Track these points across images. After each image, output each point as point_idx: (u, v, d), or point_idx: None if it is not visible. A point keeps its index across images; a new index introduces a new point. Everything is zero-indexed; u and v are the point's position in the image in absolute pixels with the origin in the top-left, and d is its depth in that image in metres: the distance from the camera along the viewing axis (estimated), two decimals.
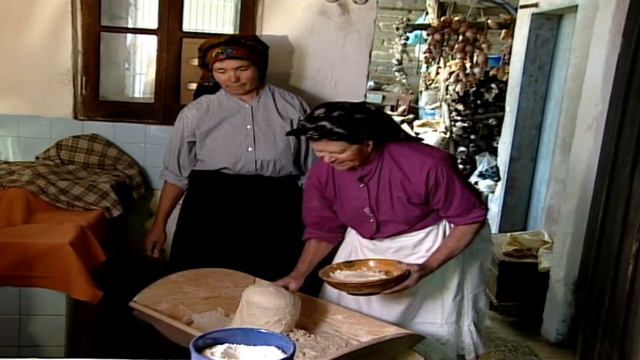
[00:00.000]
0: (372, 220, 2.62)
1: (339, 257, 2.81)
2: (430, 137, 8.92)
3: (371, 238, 2.69)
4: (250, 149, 3.00)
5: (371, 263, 2.58)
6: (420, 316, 2.72)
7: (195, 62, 3.21)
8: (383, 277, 2.45)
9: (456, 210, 2.55)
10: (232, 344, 1.50)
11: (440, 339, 2.71)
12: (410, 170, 2.50)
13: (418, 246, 2.66)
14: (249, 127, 3.02)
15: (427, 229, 2.65)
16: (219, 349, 1.47)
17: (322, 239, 2.76)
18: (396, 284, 2.43)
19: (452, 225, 2.63)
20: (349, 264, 2.59)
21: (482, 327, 2.91)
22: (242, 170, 3.01)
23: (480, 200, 2.59)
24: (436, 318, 2.72)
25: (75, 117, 3.63)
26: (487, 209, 2.63)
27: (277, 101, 3.11)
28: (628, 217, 3.26)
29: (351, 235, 2.81)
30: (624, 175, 3.30)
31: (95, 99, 3.67)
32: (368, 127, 2.43)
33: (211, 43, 2.96)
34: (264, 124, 3.04)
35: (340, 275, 2.51)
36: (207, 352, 1.46)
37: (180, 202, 3.20)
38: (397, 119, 10.05)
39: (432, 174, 2.47)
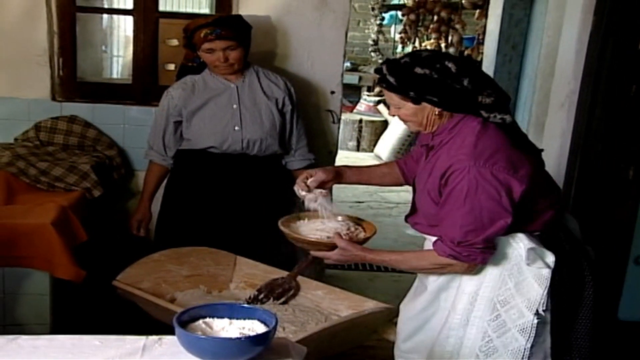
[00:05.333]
0: (414, 197, 2.25)
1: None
2: None
3: (406, 219, 2.30)
4: (237, 128, 3.02)
5: (350, 220, 2.38)
6: (413, 353, 2.27)
7: (174, 42, 3.22)
8: (317, 238, 2.25)
9: (440, 230, 2.04)
10: (215, 318, 1.53)
11: None
12: (448, 157, 2.02)
13: None
14: (235, 106, 3.04)
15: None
16: (202, 324, 1.50)
17: (399, 167, 2.46)
18: (314, 249, 2.26)
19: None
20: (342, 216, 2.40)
21: None
22: (228, 149, 3.03)
23: (469, 240, 1.96)
24: None
25: (54, 99, 3.62)
26: (468, 256, 1.98)
27: (261, 81, 3.13)
28: (600, 192, 3.34)
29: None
30: (596, 151, 3.37)
31: (73, 80, 3.66)
32: (426, 87, 2.00)
33: (199, 23, 2.96)
34: (249, 104, 3.06)
35: (303, 226, 2.36)
36: (190, 326, 1.49)
37: (165, 181, 3.22)
38: (374, 99, 10.08)
39: (449, 172, 1.98)
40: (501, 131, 2.03)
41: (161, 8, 3.71)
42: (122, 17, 4.67)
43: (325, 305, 2.54)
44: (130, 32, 3.79)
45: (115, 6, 5.02)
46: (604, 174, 3.35)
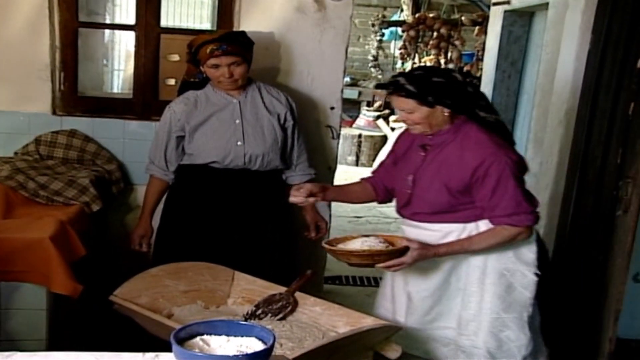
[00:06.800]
0: (408, 191, 2.57)
1: None
2: None
3: (399, 211, 2.67)
4: (239, 143, 3.03)
5: (380, 238, 2.50)
6: (437, 321, 2.64)
7: (175, 57, 3.22)
8: (391, 248, 2.41)
9: (503, 212, 2.43)
10: (213, 335, 1.53)
11: (447, 341, 2.63)
12: (469, 155, 2.42)
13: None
14: (237, 121, 3.05)
15: (449, 228, 2.53)
16: (199, 341, 1.50)
17: (371, 184, 2.81)
18: (389, 258, 2.38)
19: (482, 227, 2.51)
20: (364, 236, 2.52)
21: None
22: (230, 164, 3.03)
23: (531, 206, 2.45)
24: (451, 323, 2.62)
25: (54, 113, 3.63)
26: (537, 217, 2.48)
27: (263, 96, 3.14)
28: (598, 209, 3.34)
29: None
30: (594, 168, 3.38)
31: (74, 94, 3.68)
32: (442, 92, 2.40)
33: (205, 39, 2.97)
34: (252, 119, 3.07)
35: (343, 245, 2.48)
36: (188, 344, 1.48)
37: (164, 196, 3.21)
38: (373, 114, 10.10)
39: (484, 166, 2.39)
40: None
41: (162, 24, 3.73)
42: (123, 31, 4.69)
43: (323, 321, 2.53)
44: (131, 47, 3.80)
45: (117, 21, 5.04)
46: (602, 191, 3.35)
